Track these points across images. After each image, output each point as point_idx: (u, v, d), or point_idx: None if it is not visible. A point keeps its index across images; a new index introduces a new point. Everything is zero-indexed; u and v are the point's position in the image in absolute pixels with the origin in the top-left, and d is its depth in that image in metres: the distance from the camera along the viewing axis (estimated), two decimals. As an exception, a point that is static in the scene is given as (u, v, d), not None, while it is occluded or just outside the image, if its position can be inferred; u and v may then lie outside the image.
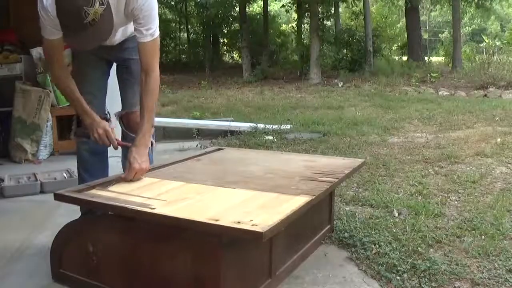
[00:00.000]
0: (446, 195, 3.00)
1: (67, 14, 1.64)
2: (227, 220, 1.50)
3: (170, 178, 2.05)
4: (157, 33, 1.99)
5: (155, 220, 1.62)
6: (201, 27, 21.34)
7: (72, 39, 1.74)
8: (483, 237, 2.31)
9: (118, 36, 2.12)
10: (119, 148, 2.17)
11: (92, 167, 2.27)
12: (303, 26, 16.66)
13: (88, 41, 1.71)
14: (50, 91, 4.24)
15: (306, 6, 14.51)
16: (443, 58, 18.81)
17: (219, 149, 2.79)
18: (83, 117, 2.10)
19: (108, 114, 2.27)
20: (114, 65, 2.35)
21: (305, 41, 15.73)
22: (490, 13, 22.78)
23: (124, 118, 2.26)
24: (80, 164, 2.31)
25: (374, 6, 20.95)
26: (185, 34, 22.71)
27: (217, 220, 1.50)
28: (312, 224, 2.22)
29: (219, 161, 2.48)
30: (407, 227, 2.41)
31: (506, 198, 2.87)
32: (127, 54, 2.23)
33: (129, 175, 1.96)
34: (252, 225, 1.46)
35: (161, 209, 1.63)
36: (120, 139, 2.20)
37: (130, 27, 2.08)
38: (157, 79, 2.03)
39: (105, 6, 1.65)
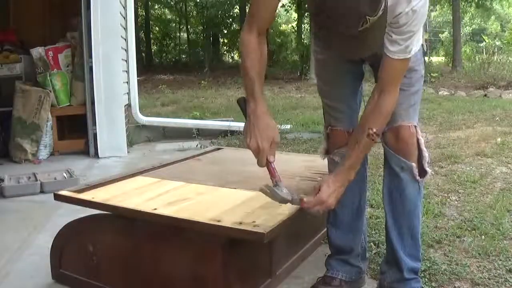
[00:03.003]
0: (446, 195, 3.00)
1: None
2: (229, 221, 1.50)
3: (170, 178, 2.05)
4: (413, 51, 1.49)
5: (156, 221, 1.61)
6: (201, 27, 21.35)
7: None
8: (483, 237, 2.31)
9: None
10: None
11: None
12: (303, 26, 16.68)
13: None
14: (50, 91, 4.25)
15: (306, 6, 14.51)
16: (443, 58, 18.83)
17: (218, 149, 2.79)
18: (247, 102, 1.59)
19: None
20: None
21: (305, 41, 15.74)
22: (490, 13, 22.79)
23: (388, 134, 1.66)
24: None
25: (374, 6, 20.88)
26: (185, 34, 22.72)
27: (219, 221, 1.50)
28: (312, 224, 2.22)
29: (219, 161, 2.48)
30: (407, 227, 2.40)
31: (506, 198, 2.87)
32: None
33: (311, 202, 1.51)
34: (254, 226, 1.46)
35: (162, 209, 1.63)
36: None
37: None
38: (392, 103, 1.55)
39: None
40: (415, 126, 1.66)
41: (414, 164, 1.63)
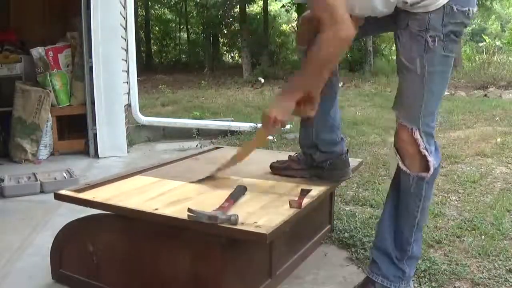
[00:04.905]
0: (446, 195, 3.00)
1: None
2: (230, 221, 1.50)
3: (170, 178, 2.05)
4: None
5: (158, 221, 1.61)
6: (201, 27, 21.34)
7: None
8: (483, 237, 2.31)
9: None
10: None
11: None
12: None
13: None
14: (50, 91, 4.25)
15: (306, 6, 14.51)
16: (443, 58, 18.75)
17: (217, 148, 2.80)
18: None
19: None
20: None
21: (305, 41, 15.69)
22: (490, 13, 22.75)
23: None
24: None
25: (374, 6, 20.90)
26: (185, 34, 22.71)
27: (220, 221, 1.50)
28: (312, 224, 2.22)
29: (219, 160, 2.47)
30: (407, 227, 2.40)
31: (506, 198, 2.87)
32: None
33: (265, 125, 1.72)
34: (256, 226, 1.45)
35: (163, 209, 1.63)
36: None
37: None
38: (338, 36, 1.57)
39: None
40: (411, 129, 1.65)
41: (398, 156, 1.71)
